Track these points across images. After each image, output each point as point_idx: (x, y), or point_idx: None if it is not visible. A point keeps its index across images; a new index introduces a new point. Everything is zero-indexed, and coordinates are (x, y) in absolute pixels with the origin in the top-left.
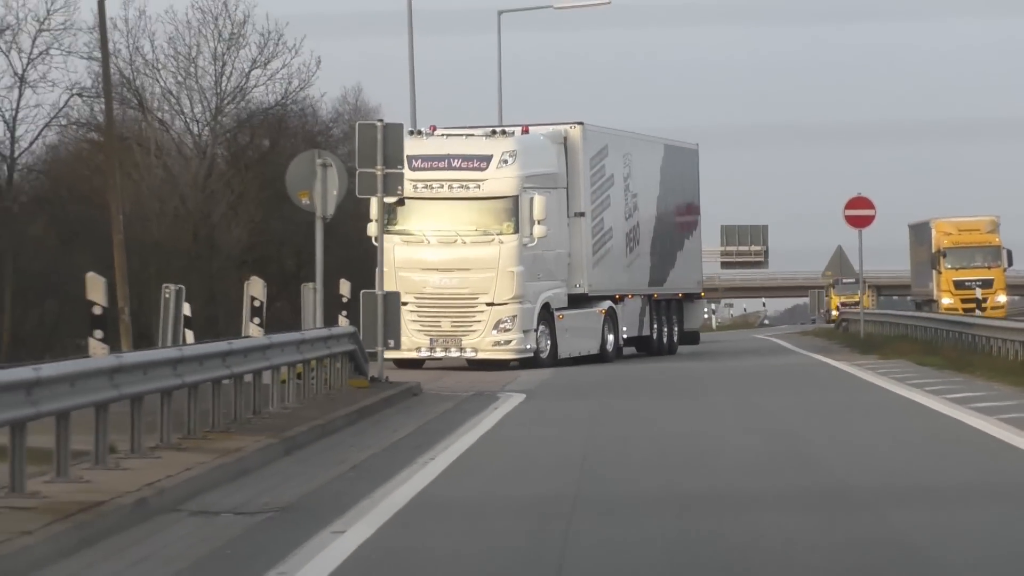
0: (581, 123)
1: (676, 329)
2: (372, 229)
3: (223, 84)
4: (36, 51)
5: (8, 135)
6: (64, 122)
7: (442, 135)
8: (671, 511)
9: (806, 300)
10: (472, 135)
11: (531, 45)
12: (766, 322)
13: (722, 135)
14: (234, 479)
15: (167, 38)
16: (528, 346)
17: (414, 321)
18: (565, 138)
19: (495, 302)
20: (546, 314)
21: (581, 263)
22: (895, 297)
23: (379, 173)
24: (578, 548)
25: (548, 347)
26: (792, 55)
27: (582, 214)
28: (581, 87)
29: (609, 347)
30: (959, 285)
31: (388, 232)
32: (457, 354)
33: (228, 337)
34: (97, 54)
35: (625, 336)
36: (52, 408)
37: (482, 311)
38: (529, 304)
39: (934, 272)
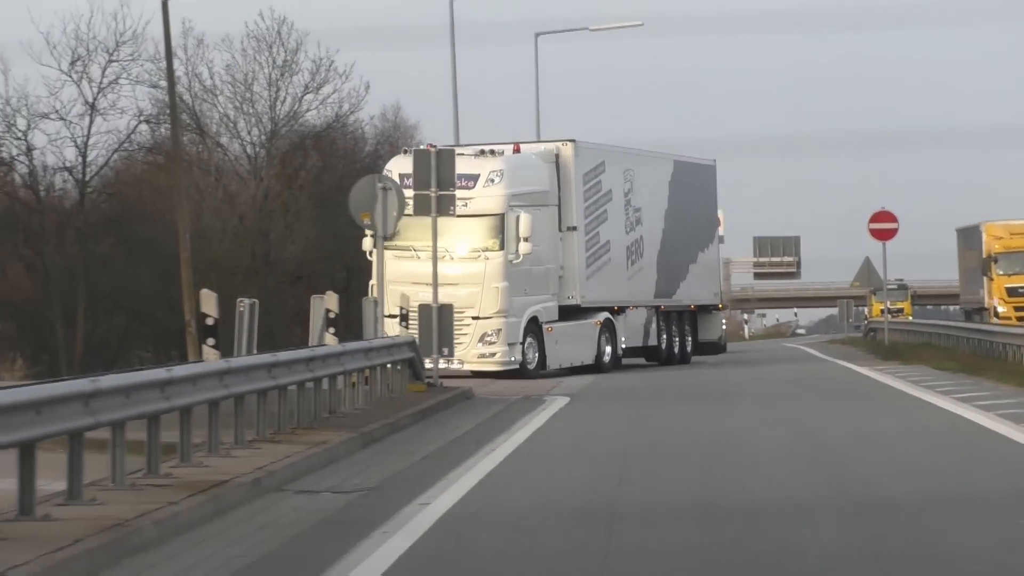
0: (573, 140)
1: (690, 340)
2: (367, 244)
3: (277, 109)
4: (106, 81)
5: (80, 160)
6: (131, 147)
7: None
8: (702, 494)
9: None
10: (462, 154)
11: (567, 59)
12: (800, 331)
13: (757, 146)
14: (324, 466)
15: (224, 65)
16: (513, 358)
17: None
18: (557, 156)
19: (480, 316)
20: (534, 327)
21: (574, 276)
22: (928, 307)
23: (433, 195)
24: (621, 520)
25: (536, 359)
26: (825, 64)
27: (574, 228)
28: (615, 100)
29: (606, 358)
30: (1012, 292)
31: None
32: (444, 365)
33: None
34: (161, 83)
35: (625, 346)
36: (180, 404)
37: (468, 324)
38: (515, 318)
39: (985, 279)
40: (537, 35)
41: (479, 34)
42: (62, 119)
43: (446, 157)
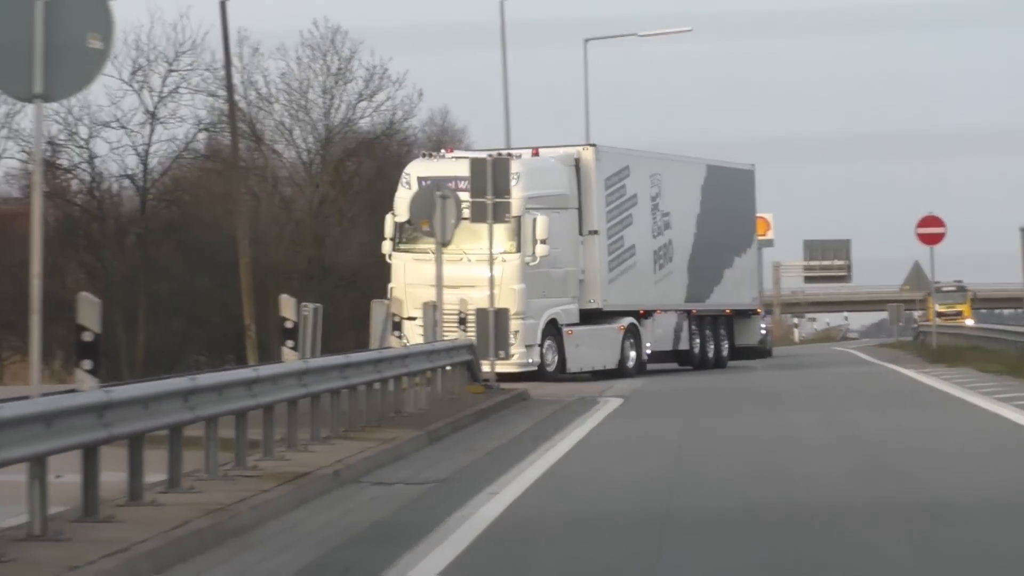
0: (594, 145)
1: (726, 344)
2: (386, 247)
3: (332, 116)
4: (166, 90)
5: (142, 167)
6: (192, 156)
7: (452, 158)
8: (755, 498)
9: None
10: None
11: (614, 61)
12: (851, 335)
13: (808, 149)
14: (395, 461)
15: (279, 73)
16: (531, 360)
17: (422, 335)
18: (577, 160)
19: None
20: (553, 329)
21: (595, 279)
22: (982, 311)
23: (489, 202)
24: (679, 511)
25: (555, 361)
26: (877, 66)
27: (595, 232)
28: (664, 102)
29: (630, 362)
30: None
31: (399, 251)
32: None
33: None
34: (219, 92)
35: (653, 351)
36: (264, 401)
37: None
38: (532, 320)
39: None
40: (586, 41)
41: (525, 37)
42: (123, 128)
43: (501, 165)
